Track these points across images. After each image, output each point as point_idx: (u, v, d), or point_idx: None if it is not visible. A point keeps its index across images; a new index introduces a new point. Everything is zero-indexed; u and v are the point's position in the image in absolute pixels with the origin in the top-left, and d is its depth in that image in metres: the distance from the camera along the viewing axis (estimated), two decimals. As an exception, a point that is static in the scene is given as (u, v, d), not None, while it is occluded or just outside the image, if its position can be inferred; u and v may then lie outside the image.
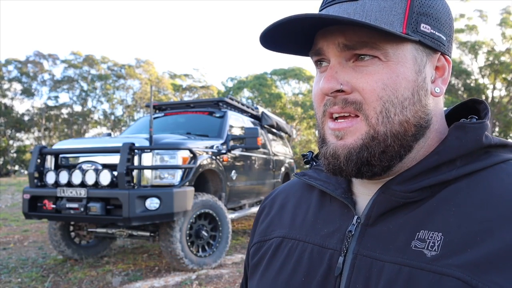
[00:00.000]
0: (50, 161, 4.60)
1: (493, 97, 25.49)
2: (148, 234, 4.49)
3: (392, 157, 0.57)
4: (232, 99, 6.34)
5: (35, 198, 4.43)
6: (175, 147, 4.30)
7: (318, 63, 0.62)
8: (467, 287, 0.47)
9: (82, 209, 4.05)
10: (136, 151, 4.16)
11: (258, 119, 7.15)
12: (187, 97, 34.39)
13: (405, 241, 0.54)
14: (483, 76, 25.51)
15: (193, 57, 76.46)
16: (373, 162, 0.57)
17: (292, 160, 8.46)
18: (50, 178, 4.40)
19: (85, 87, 31.38)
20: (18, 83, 29.45)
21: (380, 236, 0.56)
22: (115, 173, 4.10)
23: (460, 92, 25.50)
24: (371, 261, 0.55)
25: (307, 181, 0.70)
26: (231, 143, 5.30)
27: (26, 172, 25.15)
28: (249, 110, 6.91)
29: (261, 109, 7.42)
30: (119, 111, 33.38)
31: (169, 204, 3.99)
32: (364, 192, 0.63)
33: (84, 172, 4.21)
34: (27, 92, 29.69)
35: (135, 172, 4.17)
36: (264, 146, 6.69)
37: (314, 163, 0.74)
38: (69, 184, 4.25)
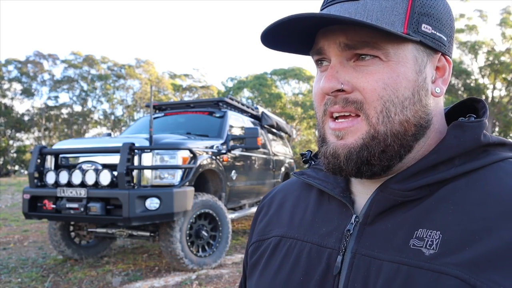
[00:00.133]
0: (50, 161, 4.60)
1: (493, 97, 25.50)
2: (148, 234, 4.49)
3: (392, 157, 0.57)
4: (232, 99, 6.34)
5: (35, 198, 4.43)
6: (175, 147, 4.30)
7: (318, 62, 0.62)
8: (465, 285, 0.47)
9: (82, 209, 4.05)
10: (136, 151, 4.16)
11: (258, 119, 7.14)
12: (187, 97, 34.42)
13: (404, 239, 0.54)
14: (483, 76, 25.52)
15: (193, 57, 76.59)
16: (373, 162, 0.57)
17: (292, 160, 8.45)
18: (50, 178, 4.40)
19: (85, 87, 31.42)
20: (18, 83, 29.50)
21: (378, 235, 0.56)
22: (115, 173, 4.10)
23: (460, 92, 25.49)
24: (370, 260, 0.55)
25: (305, 180, 0.70)
26: (231, 143, 5.30)
27: (26, 172, 25.16)
28: (249, 110, 6.90)
29: (261, 109, 7.41)
30: (119, 111, 33.45)
31: (169, 204, 3.99)
32: (363, 191, 0.63)
33: (84, 172, 4.21)
34: (27, 92, 29.72)
35: (135, 172, 4.17)
36: (264, 146, 6.69)
37: (313, 162, 0.74)
38: (69, 184, 4.25)
